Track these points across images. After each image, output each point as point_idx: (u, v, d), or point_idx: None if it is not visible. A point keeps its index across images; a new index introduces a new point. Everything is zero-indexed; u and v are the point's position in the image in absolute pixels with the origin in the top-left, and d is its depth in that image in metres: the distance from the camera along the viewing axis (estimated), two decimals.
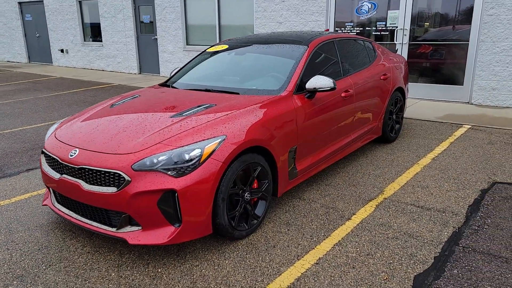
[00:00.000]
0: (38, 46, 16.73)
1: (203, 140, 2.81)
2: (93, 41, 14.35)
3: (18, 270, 2.79)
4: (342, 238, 3.09)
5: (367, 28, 8.50)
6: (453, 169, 4.41)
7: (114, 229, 2.82)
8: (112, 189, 2.71)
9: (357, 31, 8.63)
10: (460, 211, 3.46)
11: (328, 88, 3.64)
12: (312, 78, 3.65)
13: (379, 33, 8.35)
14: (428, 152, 4.96)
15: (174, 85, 4.19)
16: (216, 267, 2.76)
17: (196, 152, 2.72)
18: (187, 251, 2.97)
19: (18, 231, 3.31)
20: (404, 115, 6.74)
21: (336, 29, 8.89)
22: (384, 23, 8.25)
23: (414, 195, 3.79)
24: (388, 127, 5.25)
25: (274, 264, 2.78)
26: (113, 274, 2.72)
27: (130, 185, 2.65)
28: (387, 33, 8.26)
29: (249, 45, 4.36)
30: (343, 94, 4.14)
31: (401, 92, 5.50)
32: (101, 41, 13.86)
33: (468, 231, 3.14)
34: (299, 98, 3.63)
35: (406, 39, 8.02)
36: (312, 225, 3.30)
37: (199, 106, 3.31)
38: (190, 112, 3.19)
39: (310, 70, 3.91)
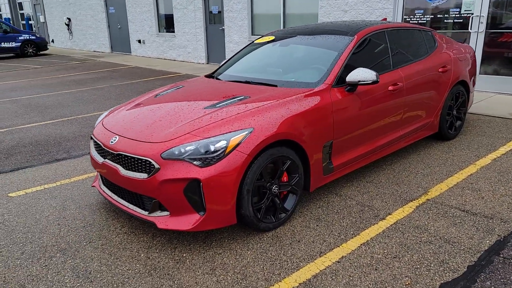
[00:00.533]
0: (119, 37, 17.89)
1: (230, 132, 2.85)
2: (166, 32, 15.02)
3: (62, 244, 3.07)
4: (371, 238, 2.98)
5: (438, 16, 7.94)
6: None
7: (146, 213, 2.98)
8: (144, 175, 2.87)
9: (427, 19, 8.10)
10: (510, 219, 3.16)
11: (370, 82, 3.49)
12: (353, 71, 3.53)
13: (451, 21, 7.77)
14: (490, 152, 4.57)
15: (219, 76, 4.28)
16: (237, 257, 2.82)
17: (222, 143, 2.78)
18: (213, 239, 3.05)
19: (70, 208, 3.63)
20: (474, 110, 6.25)
21: (405, 17, 8.43)
22: (458, 10, 7.66)
23: (462, 198, 3.53)
24: (447, 124, 4.90)
25: (295, 258, 2.77)
26: (142, 255, 2.89)
27: (159, 172, 2.78)
28: (461, 20, 7.65)
29: (294, 36, 4.30)
30: (390, 88, 3.95)
31: (464, 85, 5.09)
32: (174, 32, 14.46)
33: None
34: (339, 91, 3.53)
35: (483, 27, 7.38)
36: (343, 222, 3.22)
37: (233, 98, 3.35)
38: (223, 104, 3.25)
39: (355, 62, 3.78)
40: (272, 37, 4.53)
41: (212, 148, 2.76)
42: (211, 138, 2.81)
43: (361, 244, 2.91)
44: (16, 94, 9.26)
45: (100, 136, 3.33)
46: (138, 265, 2.77)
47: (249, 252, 2.87)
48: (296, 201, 3.27)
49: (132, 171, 2.96)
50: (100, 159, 3.28)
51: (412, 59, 4.39)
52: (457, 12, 7.67)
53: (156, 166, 2.79)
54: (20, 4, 27.22)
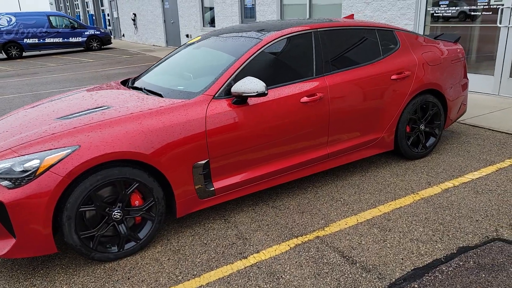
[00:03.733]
0: (172, 31, 18.35)
1: (50, 149, 2.58)
2: (210, 26, 15.01)
3: None
4: (207, 283, 2.53)
5: (465, 7, 6.82)
6: (459, 209, 3.22)
7: None
8: None
9: (453, 11, 7.01)
10: (391, 275, 2.49)
11: (255, 94, 2.99)
12: (240, 81, 3.04)
13: (479, 13, 6.62)
14: (450, 179, 3.74)
15: (137, 81, 3.96)
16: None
17: (34, 163, 2.52)
18: (37, 265, 2.81)
19: None
20: (478, 122, 5.25)
21: (429, 9, 7.38)
22: (486, 0, 6.50)
23: (358, 239, 2.88)
24: (408, 141, 4.12)
25: None
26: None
27: None
28: (489, 13, 6.48)
29: (209, 38, 3.87)
30: (304, 99, 3.36)
31: (436, 95, 4.24)
32: (214, 26, 14.39)
33: None
34: (223, 103, 3.07)
35: None
36: (199, 258, 2.80)
37: (94, 109, 3.06)
38: (76, 115, 2.97)
39: (257, 70, 3.27)
40: (199, 38, 4.14)
41: (21, 168, 2.51)
42: (25, 156, 2.56)
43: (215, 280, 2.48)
44: (41, 88, 9.81)
45: None
46: None
47: (55, 285, 2.59)
48: (152, 229, 2.91)
49: None
50: None
51: (350, 65, 3.71)
52: (486, 3, 6.50)
53: None
54: (101, 1, 29.21)
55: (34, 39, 18.29)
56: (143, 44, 21.40)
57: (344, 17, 4.66)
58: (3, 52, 17.77)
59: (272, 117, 3.24)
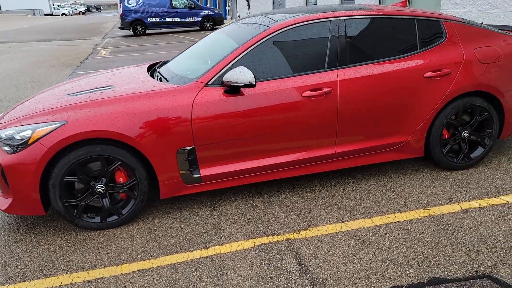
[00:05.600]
0: None
1: (43, 122, 2.86)
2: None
3: None
4: (181, 262, 2.61)
5: None
6: (466, 234, 2.76)
7: None
8: None
9: None
10: None
11: (242, 84, 2.92)
12: (232, 70, 2.99)
13: None
14: (480, 198, 3.19)
15: (162, 66, 4.07)
16: (29, 247, 2.88)
17: (27, 133, 2.83)
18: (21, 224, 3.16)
19: None
20: None
21: None
22: None
23: (322, 250, 2.66)
24: (443, 148, 3.61)
25: (63, 262, 2.68)
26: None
27: None
28: None
29: (231, 24, 3.82)
30: (306, 93, 3.16)
31: (489, 98, 3.61)
32: None
33: None
34: (215, 92, 3.06)
35: None
36: (169, 240, 2.88)
37: (98, 88, 3.28)
38: (83, 93, 3.22)
39: (260, 60, 3.16)
40: (233, 21, 4.12)
41: (18, 136, 2.84)
42: (23, 126, 2.89)
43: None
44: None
45: None
46: None
47: (40, 243, 2.90)
48: (133, 207, 3.07)
49: None
50: None
51: (373, 59, 3.36)
52: None
53: None
54: None
55: (156, 18, 19.97)
56: None
57: (394, 4, 4.19)
58: (130, 29, 19.79)
59: (268, 110, 3.11)
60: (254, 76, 2.93)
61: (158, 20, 20.01)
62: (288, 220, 3.03)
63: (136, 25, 19.83)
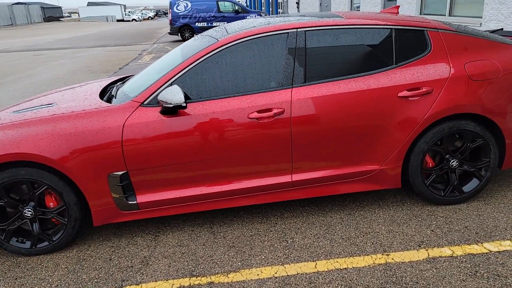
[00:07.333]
0: None
1: None
2: (356, 10, 14.06)
3: None
4: None
5: None
6: None
7: None
8: None
9: None
10: None
11: (171, 106, 2.64)
12: (165, 89, 2.72)
13: None
14: (459, 244, 2.65)
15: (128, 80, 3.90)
16: None
17: None
18: None
19: None
20: None
21: None
22: None
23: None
24: (427, 179, 3.07)
25: None
26: None
27: None
28: None
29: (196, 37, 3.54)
30: (253, 115, 2.81)
31: (484, 121, 3.02)
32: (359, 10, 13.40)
33: None
34: (151, 112, 2.80)
35: None
36: (89, 274, 2.67)
37: (40, 106, 3.15)
38: (23, 111, 3.10)
39: (203, 77, 2.87)
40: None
41: None
42: None
43: None
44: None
45: None
46: None
47: None
48: (64, 233, 2.90)
49: None
50: None
51: (336, 75, 2.92)
52: None
53: None
54: None
55: (203, 23, 20.19)
56: None
57: (383, 10, 3.69)
58: (179, 35, 20.19)
59: (207, 133, 2.80)
60: (185, 97, 2.65)
61: (205, 25, 20.20)
62: (223, 258, 2.70)
63: (184, 30, 20.17)
